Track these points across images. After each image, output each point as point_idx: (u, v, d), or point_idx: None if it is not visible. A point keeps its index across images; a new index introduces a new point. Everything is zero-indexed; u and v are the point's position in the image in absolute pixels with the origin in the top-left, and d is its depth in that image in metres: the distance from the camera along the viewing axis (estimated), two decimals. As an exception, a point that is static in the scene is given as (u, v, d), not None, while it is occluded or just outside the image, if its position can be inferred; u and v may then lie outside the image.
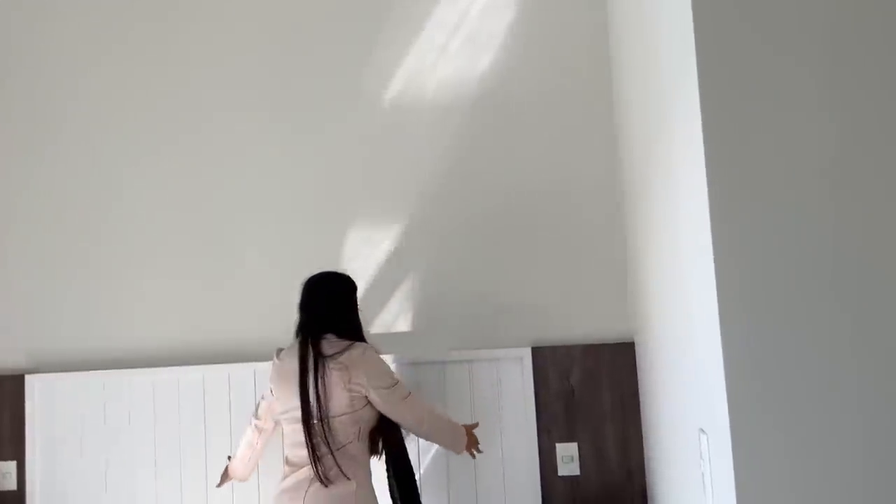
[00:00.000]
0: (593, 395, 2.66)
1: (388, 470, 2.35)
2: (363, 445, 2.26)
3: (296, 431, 2.22)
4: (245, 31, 2.90)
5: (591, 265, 2.72)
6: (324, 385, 2.17)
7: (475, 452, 2.45)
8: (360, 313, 2.37)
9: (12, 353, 2.85)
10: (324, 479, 2.14)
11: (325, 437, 2.17)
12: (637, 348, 2.60)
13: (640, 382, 2.60)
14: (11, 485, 2.75)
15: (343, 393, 2.18)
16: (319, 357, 2.20)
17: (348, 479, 2.17)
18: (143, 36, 2.93)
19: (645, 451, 2.58)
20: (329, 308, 2.30)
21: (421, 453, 2.66)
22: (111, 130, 2.92)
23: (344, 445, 2.20)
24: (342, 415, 2.19)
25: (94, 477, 2.76)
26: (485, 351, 2.69)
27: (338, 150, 2.84)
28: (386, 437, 2.33)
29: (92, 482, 2.76)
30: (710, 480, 1.42)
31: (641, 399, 2.59)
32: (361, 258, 2.80)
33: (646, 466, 2.59)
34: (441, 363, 2.70)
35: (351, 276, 2.42)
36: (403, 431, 2.37)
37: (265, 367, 2.50)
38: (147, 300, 2.85)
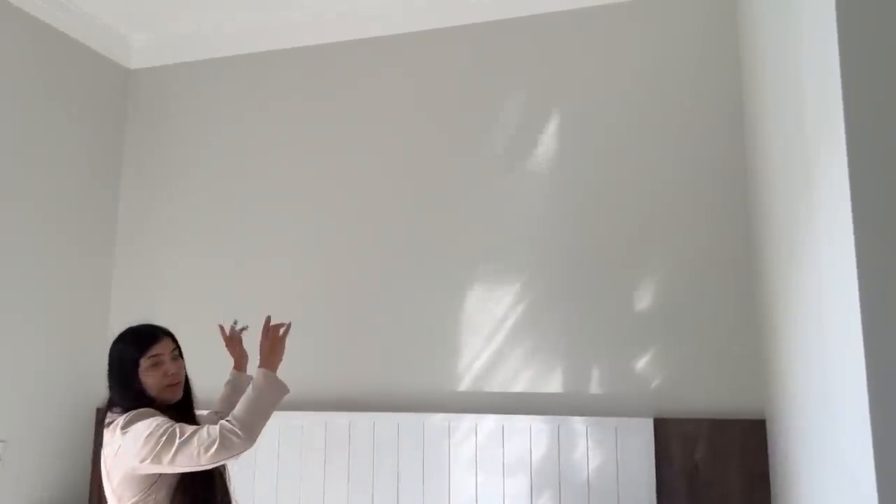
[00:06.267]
0: (720, 474, 2.51)
1: None
2: None
3: None
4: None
5: (721, 337, 2.61)
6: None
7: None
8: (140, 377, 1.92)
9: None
10: None
11: None
12: (769, 427, 2.44)
13: (771, 465, 2.43)
14: None
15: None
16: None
17: None
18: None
19: (775, 540, 2.40)
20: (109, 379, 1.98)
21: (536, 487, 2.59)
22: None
23: None
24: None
25: None
26: (604, 419, 2.61)
27: (460, 206, 2.92)
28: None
29: None
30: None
31: (772, 483, 2.41)
32: (486, 313, 2.83)
33: (777, 557, 2.39)
34: (555, 426, 2.64)
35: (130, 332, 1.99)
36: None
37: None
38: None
